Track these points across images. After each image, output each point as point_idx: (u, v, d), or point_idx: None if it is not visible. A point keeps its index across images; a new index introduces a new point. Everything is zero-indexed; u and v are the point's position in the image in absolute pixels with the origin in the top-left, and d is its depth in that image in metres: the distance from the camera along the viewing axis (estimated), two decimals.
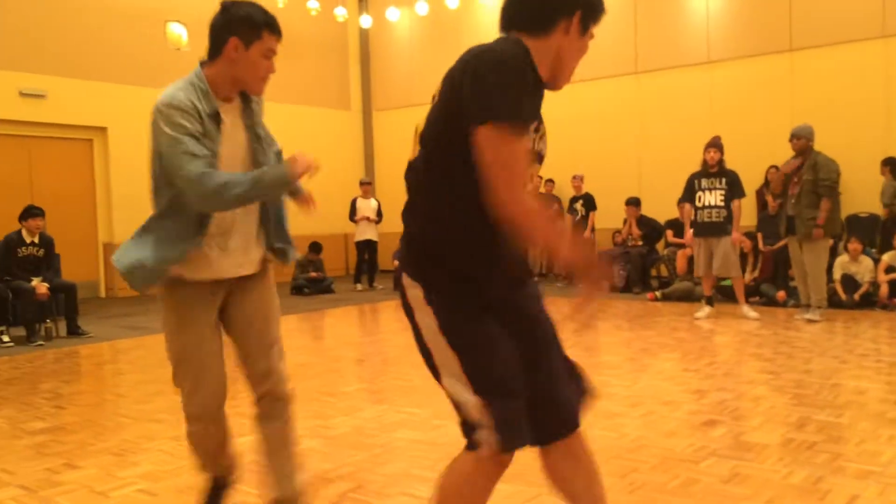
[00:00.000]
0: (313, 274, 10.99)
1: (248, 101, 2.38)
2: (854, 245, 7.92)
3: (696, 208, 7.40)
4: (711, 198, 7.32)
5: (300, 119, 13.49)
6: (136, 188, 11.09)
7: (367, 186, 11.59)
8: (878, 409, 3.83)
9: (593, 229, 10.70)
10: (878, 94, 9.39)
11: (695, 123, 10.53)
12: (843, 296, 7.64)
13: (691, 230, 7.55)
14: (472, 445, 1.67)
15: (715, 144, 7.39)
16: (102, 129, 10.95)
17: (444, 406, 3.66)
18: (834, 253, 7.87)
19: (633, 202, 10.27)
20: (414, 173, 1.78)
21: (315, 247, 11.12)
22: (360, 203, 11.39)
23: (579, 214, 10.77)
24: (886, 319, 6.98)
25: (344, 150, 14.32)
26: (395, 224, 12.90)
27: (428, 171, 1.72)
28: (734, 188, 7.29)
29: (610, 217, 10.76)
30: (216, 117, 2.23)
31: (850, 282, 7.80)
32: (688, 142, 10.68)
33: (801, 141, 6.87)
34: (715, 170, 7.35)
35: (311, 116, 13.72)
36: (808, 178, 6.77)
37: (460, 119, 1.59)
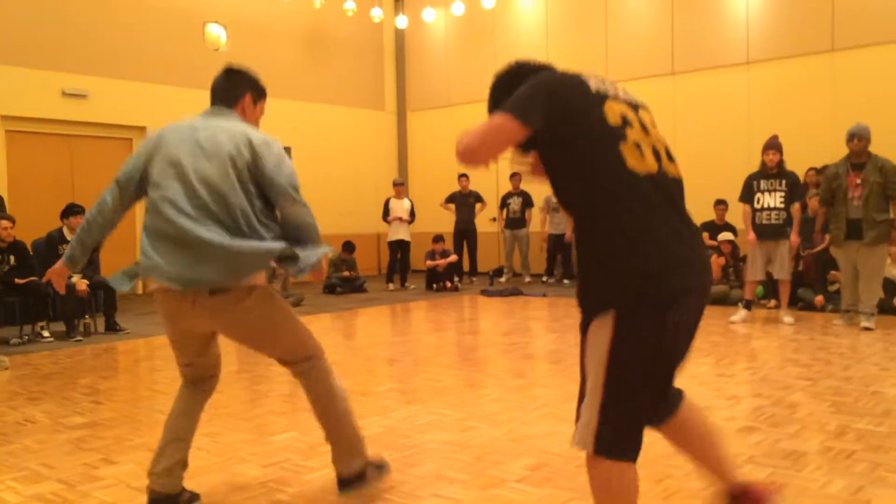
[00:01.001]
0: (346, 273, 11.05)
1: None
2: None
3: (755, 210, 7.24)
4: (771, 200, 7.16)
5: (334, 119, 13.58)
6: None
7: (401, 187, 11.62)
8: None
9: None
10: None
11: (732, 124, 10.39)
12: (884, 298, 7.47)
13: (752, 233, 7.30)
14: None
15: (774, 146, 7.19)
16: (142, 129, 11.13)
17: (475, 409, 3.66)
18: None
19: None
20: None
21: (348, 246, 11.19)
22: (393, 203, 11.43)
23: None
24: None
25: (378, 150, 14.38)
26: (427, 224, 12.98)
27: None
28: (794, 190, 7.14)
29: None
30: None
31: (891, 285, 7.63)
32: (724, 143, 10.56)
33: (863, 142, 6.74)
34: (775, 171, 7.18)
35: (346, 116, 13.80)
36: (875, 180, 6.63)
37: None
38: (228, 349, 6.44)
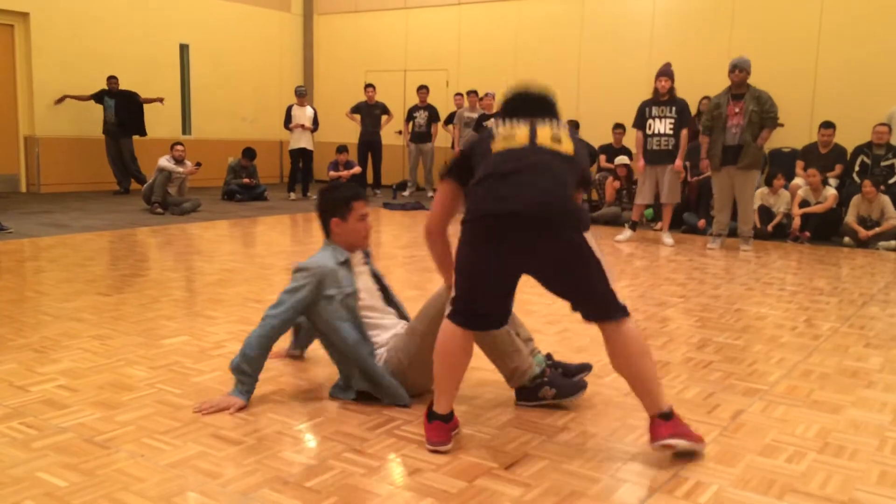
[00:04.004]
0: (246, 180, 10.82)
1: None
2: (778, 180, 8.26)
3: (647, 136, 7.47)
4: (661, 126, 7.39)
5: (237, 17, 12.99)
6: (59, 79, 10.63)
7: (303, 97, 11.34)
8: (774, 334, 4.12)
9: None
10: (812, 31, 9.60)
11: (634, 51, 10.59)
12: (758, 224, 7.99)
13: (642, 160, 7.56)
14: (625, 313, 2.43)
15: (666, 73, 7.37)
16: (24, 15, 10.33)
17: None
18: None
19: (572, 124, 10.36)
20: None
21: (248, 153, 10.92)
22: (296, 110, 11.17)
23: None
24: (796, 251, 7.37)
25: (282, 54, 13.89)
26: (330, 134, 12.77)
27: None
28: (683, 116, 7.37)
29: None
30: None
31: (766, 213, 8.16)
32: (626, 69, 10.77)
33: (743, 74, 7.02)
34: (666, 98, 7.38)
35: (249, 15, 13.21)
36: (753, 109, 6.96)
37: None
38: (120, 253, 6.29)
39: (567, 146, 2.47)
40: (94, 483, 2.19)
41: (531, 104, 2.59)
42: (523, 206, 2.32)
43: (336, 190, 3.03)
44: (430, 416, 2.50)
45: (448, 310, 2.51)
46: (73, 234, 7.07)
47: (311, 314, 2.88)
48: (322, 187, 3.09)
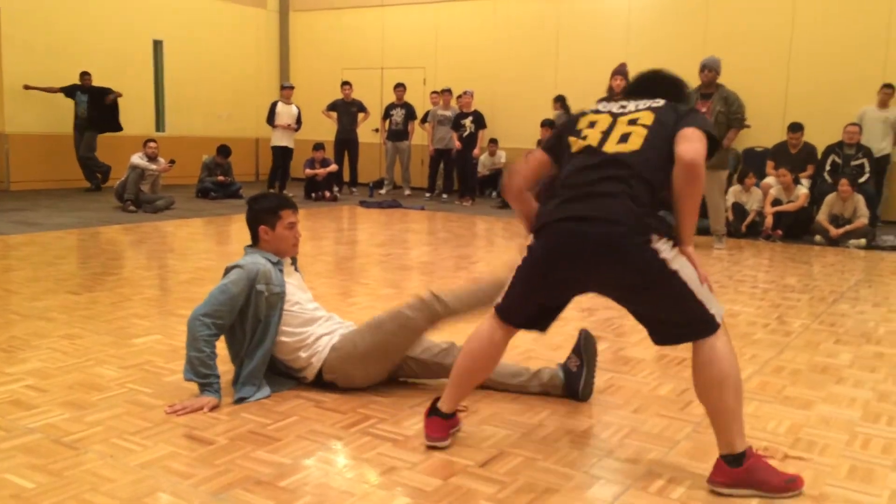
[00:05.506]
0: (221, 178, 10.72)
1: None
2: (750, 179, 8.36)
3: None
4: None
5: (212, 13, 12.86)
6: (30, 74, 10.44)
7: (290, 91, 11.26)
8: (746, 331, 4.16)
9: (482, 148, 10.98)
10: (784, 32, 9.72)
11: (611, 48, 10.64)
12: (730, 217, 8.05)
13: None
14: (715, 328, 2.20)
15: (621, 72, 7.44)
16: None
17: (345, 316, 3.73)
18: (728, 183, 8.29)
19: (548, 124, 10.38)
20: None
21: (223, 150, 10.82)
22: (281, 108, 11.07)
23: (468, 131, 10.84)
24: (768, 249, 7.46)
25: (258, 51, 13.78)
26: (307, 132, 12.68)
27: None
28: None
29: (524, 139, 10.88)
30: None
31: (739, 211, 8.24)
32: (602, 65, 10.81)
33: (713, 73, 7.08)
34: (619, 97, 7.44)
35: (224, 12, 13.09)
36: (720, 109, 7.02)
37: None
38: (91, 251, 6.21)
39: (635, 141, 2.26)
40: (63, 484, 2.15)
41: (643, 88, 2.51)
42: (585, 234, 2.19)
43: (265, 199, 3.08)
44: (432, 411, 2.50)
45: (497, 302, 2.44)
46: (43, 232, 6.96)
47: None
48: (250, 196, 3.15)
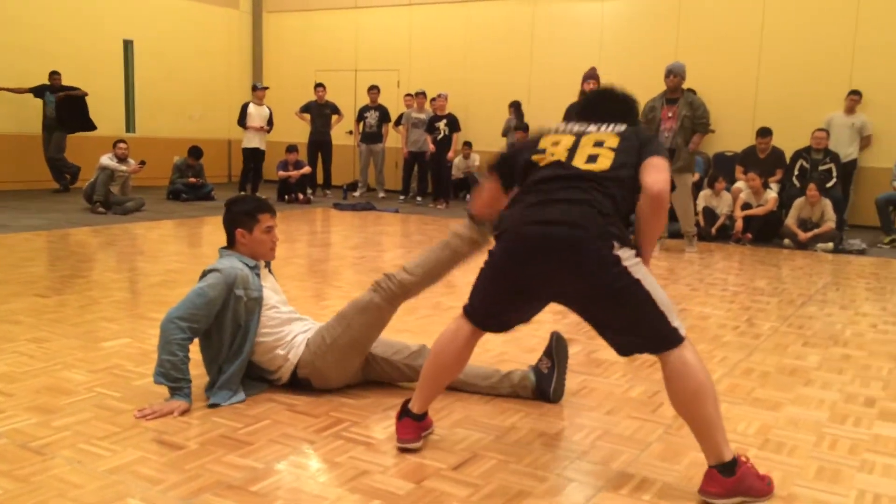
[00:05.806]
0: (192, 179, 10.61)
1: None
2: (720, 183, 8.46)
3: None
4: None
5: (183, 13, 12.74)
6: (0, 72, 10.28)
7: (262, 92, 11.17)
8: (717, 333, 4.21)
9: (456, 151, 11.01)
10: (754, 39, 9.87)
11: (585, 52, 10.72)
12: (702, 222, 8.15)
13: None
14: (679, 340, 2.21)
15: (592, 76, 7.47)
16: None
17: (318, 318, 3.71)
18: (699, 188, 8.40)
19: (523, 128, 10.44)
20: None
21: (195, 151, 10.71)
22: (253, 110, 10.99)
23: (442, 134, 10.84)
24: (738, 252, 7.55)
25: (231, 52, 13.67)
26: (280, 133, 12.60)
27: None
28: None
29: (498, 142, 10.92)
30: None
31: (710, 215, 8.34)
32: (576, 69, 10.88)
33: (678, 79, 7.15)
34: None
35: (196, 12, 12.97)
36: (685, 114, 7.10)
37: None
38: (60, 253, 6.11)
39: (603, 162, 2.30)
40: (29, 490, 2.11)
41: (596, 107, 2.55)
42: (549, 236, 2.22)
43: (243, 201, 3.04)
44: (403, 412, 2.49)
45: (466, 303, 2.46)
46: (10, 234, 6.83)
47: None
48: (228, 198, 3.09)
